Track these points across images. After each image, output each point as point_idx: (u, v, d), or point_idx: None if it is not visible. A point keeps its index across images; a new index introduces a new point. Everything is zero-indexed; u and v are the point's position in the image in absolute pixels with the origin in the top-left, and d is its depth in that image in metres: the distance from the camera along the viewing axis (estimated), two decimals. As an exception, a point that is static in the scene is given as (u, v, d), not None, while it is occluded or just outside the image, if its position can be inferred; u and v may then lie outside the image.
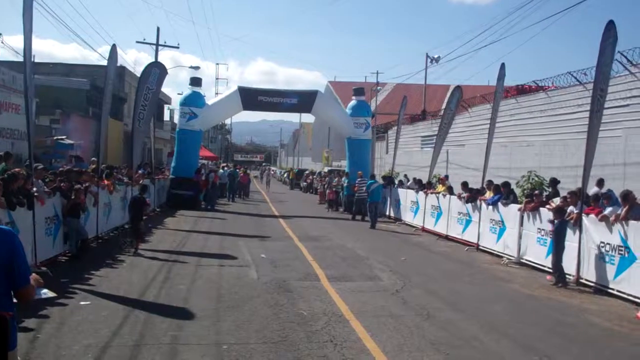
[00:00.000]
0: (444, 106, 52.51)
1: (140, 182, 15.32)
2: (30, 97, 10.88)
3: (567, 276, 12.18)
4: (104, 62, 19.44)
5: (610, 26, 12.17)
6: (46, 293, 4.22)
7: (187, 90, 29.05)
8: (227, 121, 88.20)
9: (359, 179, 25.71)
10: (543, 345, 7.75)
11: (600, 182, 14.32)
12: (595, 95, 12.20)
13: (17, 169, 11.25)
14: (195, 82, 29.06)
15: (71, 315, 8.11)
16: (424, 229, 21.26)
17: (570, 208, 12.63)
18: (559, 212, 12.43)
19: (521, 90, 25.99)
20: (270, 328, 7.97)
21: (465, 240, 17.79)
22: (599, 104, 12.36)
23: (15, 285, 3.63)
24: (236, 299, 9.64)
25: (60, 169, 16.47)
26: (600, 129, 15.61)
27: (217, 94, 67.22)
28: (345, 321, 8.51)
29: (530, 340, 7.99)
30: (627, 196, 10.79)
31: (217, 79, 79.63)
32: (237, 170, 39.47)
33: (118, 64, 27.43)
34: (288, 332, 7.79)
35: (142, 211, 14.91)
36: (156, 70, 21.44)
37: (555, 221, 12.46)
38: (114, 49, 16.68)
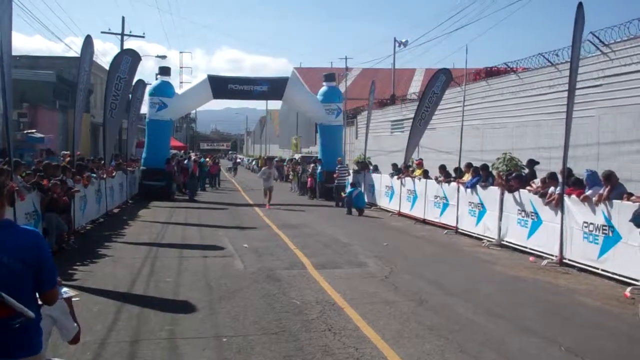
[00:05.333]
0: (411, 90, 53.09)
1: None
2: (8, 94, 10.54)
3: (550, 256, 12.36)
4: (70, 54, 19.11)
5: (580, 8, 12.28)
6: (67, 292, 4.09)
7: (157, 79, 28.61)
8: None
9: (339, 166, 25.70)
10: (540, 326, 7.82)
11: None
12: (573, 76, 12.34)
13: (-1, 166, 10.95)
14: (164, 71, 28.57)
15: (62, 312, 7.91)
16: (400, 214, 21.32)
17: (551, 189, 12.78)
18: None
19: (491, 73, 26.16)
20: (267, 319, 7.91)
21: (443, 224, 17.88)
22: (572, 84, 12.54)
23: (42, 287, 3.49)
24: (226, 290, 9.54)
25: (38, 161, 16.08)
26: (574, 109, 15.83)
27: (181, 83, 66.67)
28: (339, 309, 8.48)
29: (527, 321, 8.06)
30: (610, 176, 10.93)
31: (181, 67, 78.91)
32: (205, 159, 39.04)
33: (78, 55, 26.94)
34: (285, 323, 7.73)
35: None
36: (128, 58, 21.04)
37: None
38: (88, 40, 16.29)
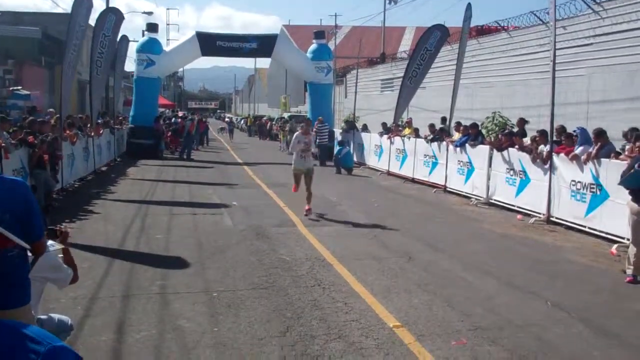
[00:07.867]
0: (401, 48, 52.67)
1: None
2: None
3: (538, 214, 12.45)
4: (56, 10, 18.66)
5: None
6: (54, 245, 4.07)
7: (144, 36, 28.23)
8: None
9: (318, 124, 25.49)
10: (526, 282, 7.94)
11: None
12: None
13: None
14: (152, 28, 28.14)
15: (52, 268, 7.93)
16: (389, 173, 21.34)
17: (541, 147, 12.82)
18: None
19: (482, 31, 25.97)
20: (256, 274, 7.96)
21: (432, 183, 17.93)
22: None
23: (30, 238, 3.48)
24: (216, 247, 9.59)
25: (24, 118, 15.90)
26: (564, 68, 15.78)
27: (168, 40, 65.64)
28: (328, 265, 8.54)
29: (513, 278, 8.17)
30: (601, 134, 10.92)
31: (168, 24, 77.73)
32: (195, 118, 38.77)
33: (65, 11, 26.46)
34: (275, 278, 7.79)
35: None
36: (112, 16, 20.79)
37: None
38: None
